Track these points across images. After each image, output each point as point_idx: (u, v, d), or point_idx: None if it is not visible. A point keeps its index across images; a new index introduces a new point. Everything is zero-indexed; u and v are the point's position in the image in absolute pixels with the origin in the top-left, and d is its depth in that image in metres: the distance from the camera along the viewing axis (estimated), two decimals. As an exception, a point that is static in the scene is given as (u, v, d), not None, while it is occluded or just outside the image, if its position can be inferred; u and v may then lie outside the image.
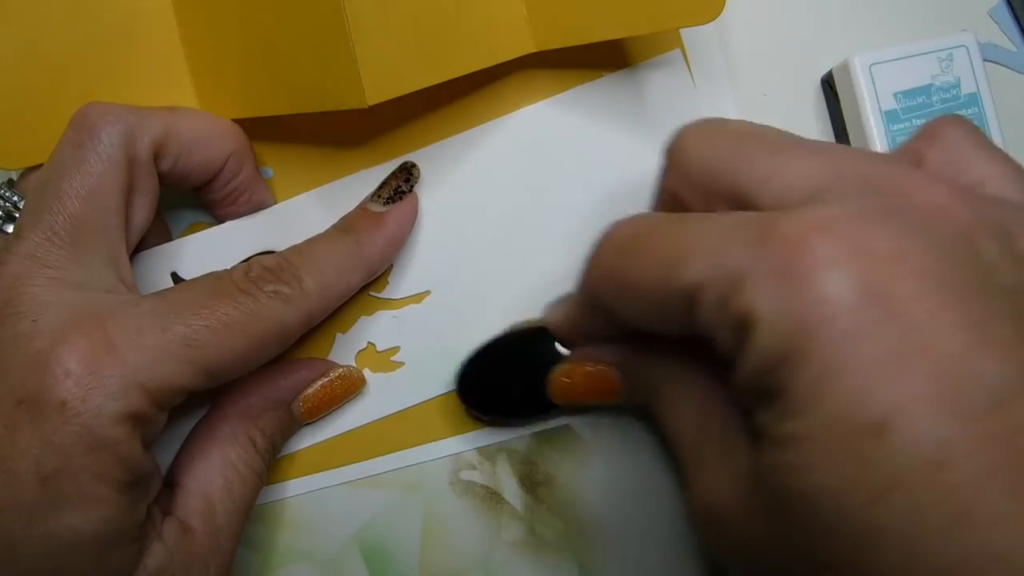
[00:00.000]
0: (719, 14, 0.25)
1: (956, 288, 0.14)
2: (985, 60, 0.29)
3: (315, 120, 0.29)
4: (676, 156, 0.19)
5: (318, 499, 0.30)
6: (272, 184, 0.30)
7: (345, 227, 0.27)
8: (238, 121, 0.28)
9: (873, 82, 0.29)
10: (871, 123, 0.29)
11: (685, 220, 0.17)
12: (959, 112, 0.29)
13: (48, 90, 0.27)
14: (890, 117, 0.29)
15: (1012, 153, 0.29)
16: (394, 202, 0.28)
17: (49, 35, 0.26)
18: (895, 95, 0.29)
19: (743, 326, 0.15)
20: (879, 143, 0.29)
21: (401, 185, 0.28)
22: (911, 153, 0.19)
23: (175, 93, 0.28)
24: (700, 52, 0.31)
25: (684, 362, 0.19)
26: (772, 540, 0.15)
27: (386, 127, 0.30)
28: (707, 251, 0.16)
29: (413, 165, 0.29)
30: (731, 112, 0.31)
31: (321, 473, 0.30)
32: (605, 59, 0.30)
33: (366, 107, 0.24)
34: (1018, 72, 0.32)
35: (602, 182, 0.30)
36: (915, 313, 0.13)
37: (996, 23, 0.32)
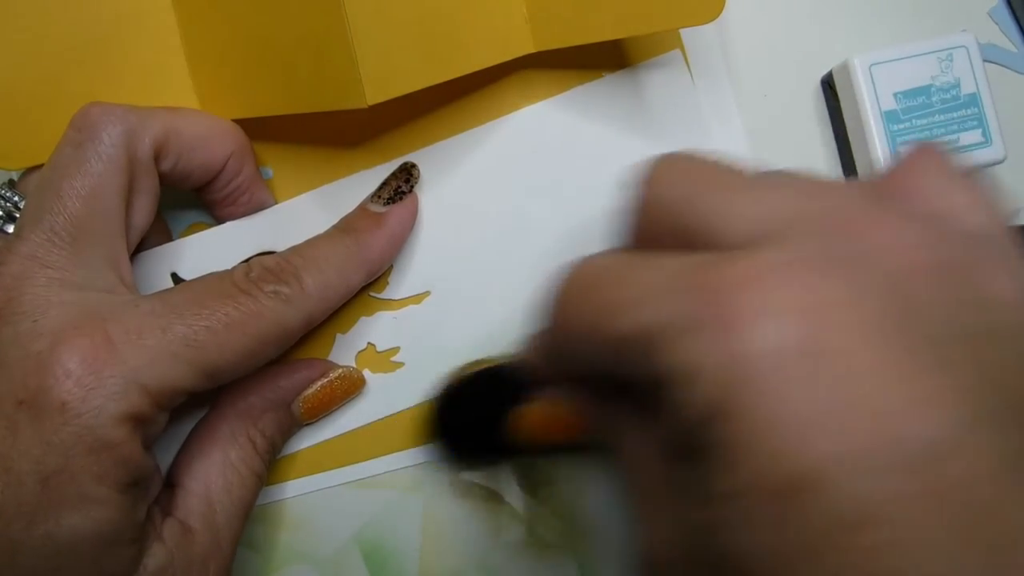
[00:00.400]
0: (719, 14, 0.25)
1: (898, 339, 0.13)
2: (985, 61, 0.29)
3: (315, 120, 0.29)
4: (638, 191, 0.19)
5: (318, 500, 0.30)
6: (272, 184, 0.30)
7: (345, 228, 0.27)
8: (238, 121, 0.28)
9: (873, 82, 0.29)
10: (871, 123, 0.29)
11: (627, 265, 0.17)
12: (959, 112, 0.29)
13: (49, 90, 0.27)
14: (890, 117, 0.29)
15: (1012, 154, 0.29)
16: (394, 202, 0.28)
17: (50, 35, 0.26)
18: (895, 95, 0.29)
19: (671, 380, 0.14)
20: (879, 143, 0.29)
21: (401, 185, 0.28)
22: (882, 183, 0.19)
23: (175, 93, 0.28)
24: (700, 53, 0.31)
25: (636, 407, 0.19)
26: None
27: (386, 127, 0.30)
28: (638, 300, 0.15)
29: (413, 165, 0.29)
30: (732, 112, 0.31)
31: (321, 474, 0.30)
32: (605, 59, 0.30)
33: (366, 107, 0.24)
34: (1018, 73, 0.32)
35: (602, 182, 0.30)
36: (851, 367, 0.13)
37: (996, 23, 0.32)
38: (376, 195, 0.28)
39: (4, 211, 0.26)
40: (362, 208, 0.28)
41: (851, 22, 0.32)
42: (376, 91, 0.24)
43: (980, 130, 0.29)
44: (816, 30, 0.32)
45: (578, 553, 0.30)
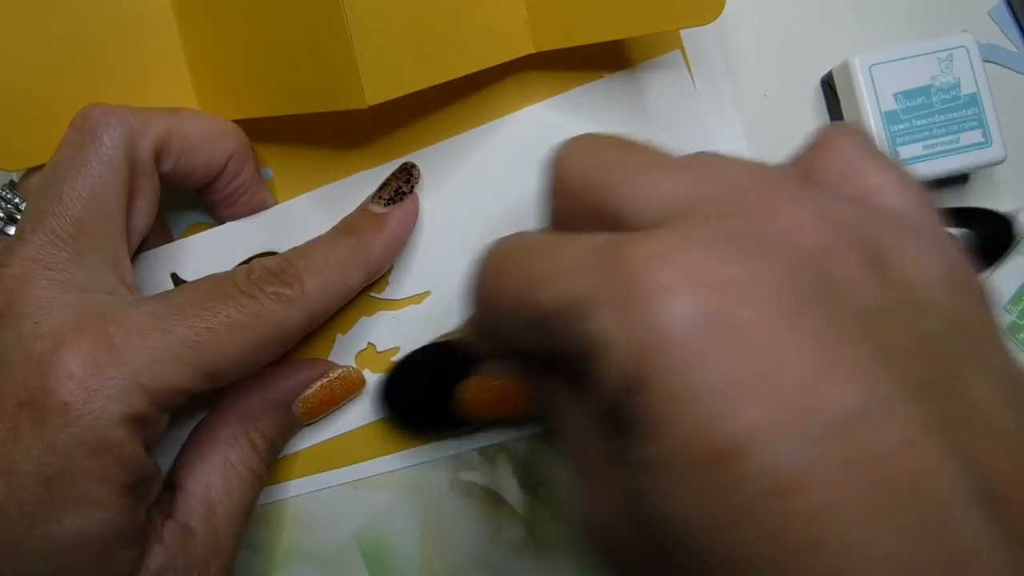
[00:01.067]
0: (719, 15, 0.25)
1: (802, 313, 0.13)
2: (985, 61, 0.29)
3: (315, 121, 0.29)
4: (553, 172, 0.19)
5: (319, 500, 0.30)
6: (272, 185, 0.30)
7: (346, 229, 0.27)
8: (238, 122, 0.28)
9: (873, 83, 0.29)
10: (871, 124, 0.29)
11: (546, 243, 0.17)
12: (959, 112, 0.29)
13: (49, 91, 0.27)
14: (890, 118, 0.29)
15: (1012, 154, 0.29)
16: (395, 203, 0.28)
17: (50, 36, 0.26)
18: (895, 96, 0.29)
19: (589, 353, 0.15)
20: (879, 143, 0.29)
21: (402, 186, 0.28)
22: (800, 163, 0.19)
23: (175, 94, 0.28)
24: (700, 53, 0.31)
25: (570, 380, 0.19)
26: (648, 563, 0.15)
27: (386, 128, 0.30)
28: (560, 276, 0.15)
29: (413, 166, 0.29)
30: (732, 112, 0.31)
31: (321, 474, 0.30)
32: (605, 60, 0.30)
33: (366, 108, 0.24)
34: (1018, 73, 0.32)
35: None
36: (757, 340, 0.13)
37: (996, 24, 0.32)
38: (376, 196, 0.28)
39: (5, 212, 0.26)
40: (363, 209, 0.28)
41: (851, 22, 0.32)
42: (376, 92, 0.24)
43: (980, 130, 0.29)
44: (816, 30, 0.32)
45: (577, 553, 0.30)
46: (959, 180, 0.32)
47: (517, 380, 0.22)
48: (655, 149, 0.18)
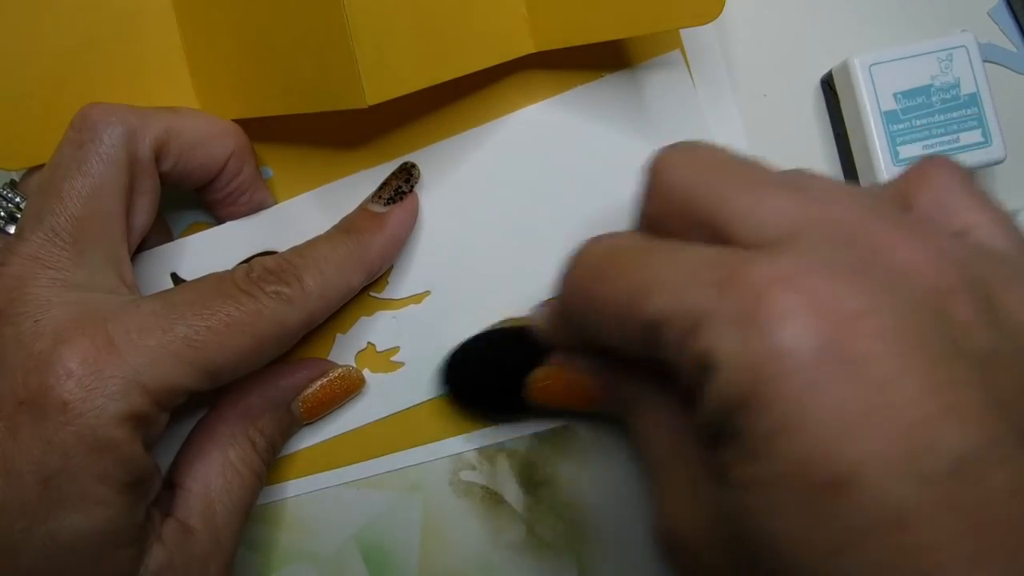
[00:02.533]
0: (719, 14, 0.25)
1: (921, 352, 0.14)
2: (985, 60, 0.29)
3: (315, 120, 0.29)
4: (656, 178, 0.19)
5: (318, 499, 0.30)
6: (272, 184, 0.30)
7: (346, 228, 0.27)
8: (238, 121, 0.28)
9: (873, 82, 0.29)
10: (871, 123, 0.29)
11: (655, 249, 0.17)
12: (959, 112, 0.29)
13: (49, 91, 0.27)
14: (890, 117, 0.29)
15: (1012, 154, 0.29)
16: (395, 202, 0.28)
17: (50, 36, 0.26)
18: (895, 95, 0.29)
19: (703, 367, 0.15)
20: (879, 143, 0.29)
21: (402, 185, 0.28)
22: (898, 193, 0.19)
23: (175, 93, 0.28)
24: (700, 53, 0.31)
25: (657, 383, 0.19)
26: (732, 574, 0.15)
27: (386, 127, 0.30)
28: (672, 286, 0.16)
29: (413, 165, 0.29)
30: (732, 112, 0.31)
31: (321, 473, 0.30)
32: (605, 60, 0.30)
33: (366, 107, 0.24)
34: (1018, 73, 0.32)
35: (602, 182, 0.30)
36: (877, 374, 0.13)
37: (996, 23, 0.32)
38: (376, 195, 0.28)
39: (6, 212, 0.26)
40: (362, 208, 0.28)
41: (851, 22, 0.32)
42: (376, 91, 0.24)
43: (980, 130, 0.29)
44: (816, 30, 0.32)
45: (578, 553, 0.30)
46: (959, 180, 0.32)
47: (593, 376, 0.22)
48: (761, 164, 0.18)
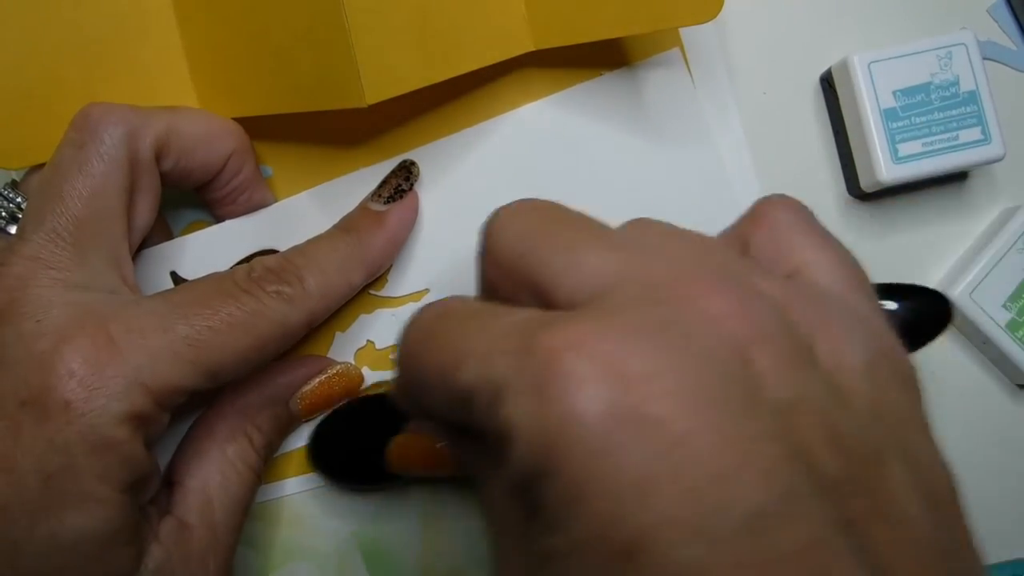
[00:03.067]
0: (718, 13, 0.25)
1: (713, 408, 0.13)
2: (984, 58, 0.29)
3: (315, 119, 0.29)
4: (488, 240, 0.19)
5: (318, 497, 0.30)
6: (272, 183, 0.30)
7: (346, 227, 0.27)
8: (238, 120, 0.28)
9: (872, 80, 0.29)
10: (870, 121, 0.29)
11: (474, 315, 0.17)
12: (958, 110, 0.29)
13: (49, 90, 0.27)
14: (889, 115, 0.29)
15: (1011, 151, 0.29)
16: (395, 201, 0.28)
17: (49, 35, 0.26)
18: (894, 93, 0.29)
19: (504, 437, 0.14)
20: (878, 141, 0.29)
21: (401, 183, 0.28)
22: (737, 235, 0.19)
23: (175, 92, 0.28)
24: (699, 51, 0.31)
25: (489, 452, 0.19)
26: None
27: (386, 126, 0.30)
28: (480, 354, 0.15)
29: (413, 163, 0.29)
30: (731, 111, 0.31)
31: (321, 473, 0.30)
32: (604, 58, 0.30)
33: (366, 106, 0.24)
34: (1017, 70, 0.32)
35: (601, 180, 0.30)
36: (666, 436, 0.13)
37: (995, 21, 0.32)
38: (376, 194, 0.28)
39: (7, 212, 0.26)
40: (363, 207, 0.28)
41: (850, 20, 0.32)
42: (375, 91, 0.24)
43: (979, 128, 0.29)
44: (815, 28, 0.32)
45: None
46: (958, 178, 0.32)
47: (440, 441, 0.22)
48: (592, 222, 0.18)
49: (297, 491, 0.30)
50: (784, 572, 0.12)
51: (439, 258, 0.30)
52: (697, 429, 0.13)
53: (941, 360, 0.32)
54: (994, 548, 0.31)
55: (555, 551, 0.14)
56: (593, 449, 0.13)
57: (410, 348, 0.18)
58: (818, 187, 0.32)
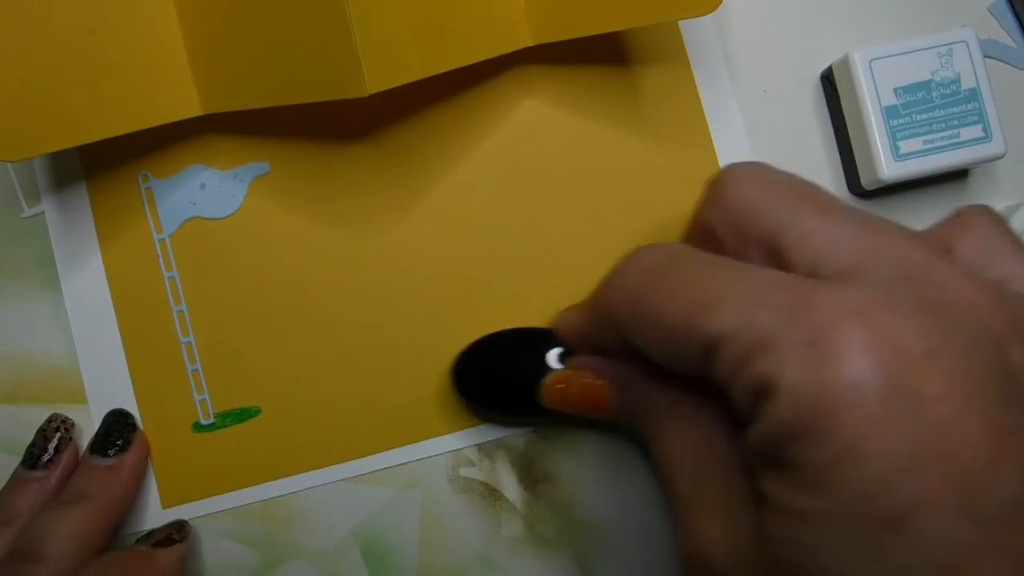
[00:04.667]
0: (718, 5, 0.25)
1: (982, 394, 0.14)
2: (985, 56, 0.29)
3: (313, 114, 0.29)
4: (719, 192, 0.19)
5: (317, 496, 0.30)
6: (269, 179, 0.30)
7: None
8: (238, 112, 0.28)
9: (873, 77, 0.29)
10: (871, 118, 0.29)
11: (719, 265, 0.17)
12: (959, 107, 0.29)
13: (48, 81, 0.26)
14: (890, 112, 0.29)
15: (1012, 149, 0.29)
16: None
17: (48, 26, 0.26)
18: (895, 90, 0.29)
19: (763, 390, 0.15)
20: (879, 139, 0.29)
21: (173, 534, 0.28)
22: (941, 238, 0.19)
23: (175, 85, 0.28)
24: (699, 47, 0.31)
25: (690, 397, 0.19)
26: None
27: (384, 122, 0.30)
28: (738, 304, 0.15)
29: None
30: (731, 107, 0.31)
31: (320, 470, 0.30)
32: (604, 53, 0.30)
33: (366, 96, 0.24)
34: (1018, 68, 0.32)
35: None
36: (940, 414, 0.13)
37: (996, 19, 0.32)
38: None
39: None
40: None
41: (851, 17, 0.32)
42: (376, 80, 0.24)
43: (980, 125, 0.29)
44: (816, 25, 0.32)
45: (577, 550, 0.30)
46: (959, 175, 0.32)
47: (614, 384, 0.22)
48: (825, 191, 0.18)
49: (297, 490, 0.30)
50: None
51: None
52: (967, 413, 0.13)
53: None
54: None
55: (807, 512, 0.14)
56: (868, 417, 0.13)
57: (633, 286, 0.18)
58: (819, 184, 0.31)
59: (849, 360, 0.14)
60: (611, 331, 0.19)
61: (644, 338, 0.18)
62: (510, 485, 0.30)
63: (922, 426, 0.13)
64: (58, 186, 0.30)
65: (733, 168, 0.19)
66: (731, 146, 0.31)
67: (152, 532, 0.29)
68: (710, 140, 0.30)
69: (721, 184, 0.19)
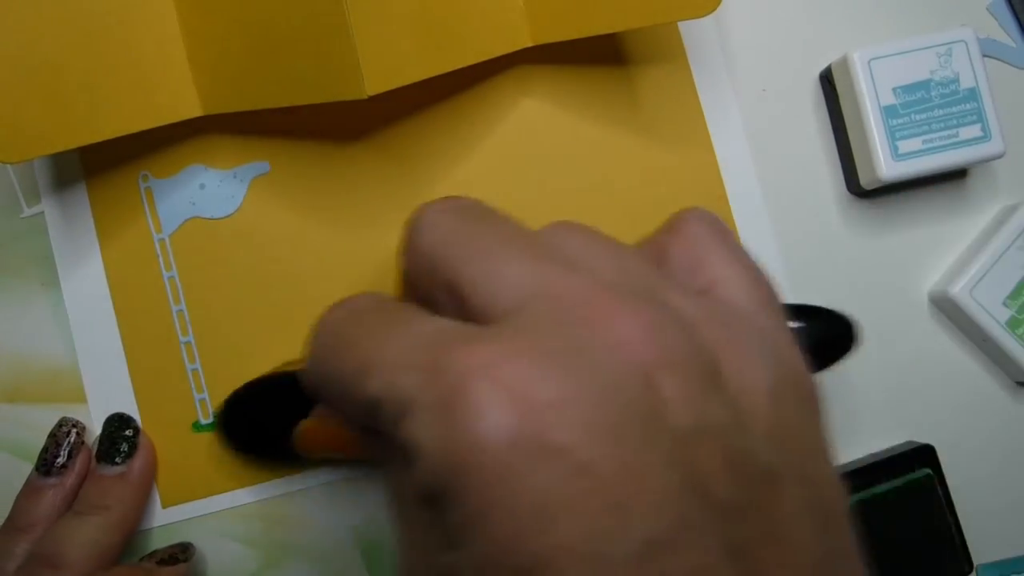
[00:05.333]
0: (717, 6, 0.25)
1: (616, 437, 0.14)
2: (984, 55, 0.29)
3: (313, 114, 0.29)
4: (409, 237, 0.18)
5: (316, 496, 0.30)
6: (269, 179, 0.30)
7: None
8: (237, 114, 0.28)
9: (872, 77, 0.29)
10: (870, 118, 0.29)
11: (385, 322, 0.17)
12: (958, 107, 0.29)
13: (48, 83, 0.26)
14: (889, 112, 0.29)
15: (1011, 148, 0.29)
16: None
17: (49, 27, 0.26)
18: (894, 90, 0.29)
19: (408, 454, 0.15)
20: (878, 138, 0.29)
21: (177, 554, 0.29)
22: (656, 246, 0.19)
23: (175, 86, 0.28)
24: (698, 47, 0.31)
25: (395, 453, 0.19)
26: None
27: (384, 123, 0.30)
28: (388, 367, 0.15)
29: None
30: (731, 107, 0.31)
31: (319, 470, 0.30)
32: (603, 54, 0.30)
33: (366, 97, 0.24)
34: (1017, 67, 0.32)
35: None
36: (569, 464, 0.13)
37: (995, 18, 0.32)
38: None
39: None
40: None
41: (850, 17, 0.32)
42: (376, 82, 0.24)
43: (979, 125, 0.29)
44: (815, 25, 0.32)
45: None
46: (958, 175, 0.32)
47: (349, 429, 0.22)
48: (515, 226, 0.18)
49: (297, 489, 0.30)
50: None
51: None
52: (597, 458, 0.13)
53: (941, 358, 0.32)
54: (994, 546, 0.31)
55: (456, 567, 0.14)
56: (496, 475, 0.13)
57: (319, 348, 0.18)
58: (818, 184, 0.31)
59: (475, 420, 0.14)
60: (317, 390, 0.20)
61: (326, 400, 0.18)
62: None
63: (549, 479, 0.13)
64: (58, 186, 0.30)
65: (419, 212, 0.19)
66: (730, 145, 0.31)
67: (156, 551, 0.29)
68: (709, 140, 0.30)
69: (409, 231, 0.18)
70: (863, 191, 0.31)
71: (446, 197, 0.19)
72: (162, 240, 0.30)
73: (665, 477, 0.14)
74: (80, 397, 0.30)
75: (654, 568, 0.13)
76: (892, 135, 0.29)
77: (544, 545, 0.13)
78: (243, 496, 0.30)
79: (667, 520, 0.13)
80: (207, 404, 0.30)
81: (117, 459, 0.28)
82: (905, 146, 0.29)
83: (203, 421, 0.30)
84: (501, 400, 0.14)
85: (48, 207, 0.30)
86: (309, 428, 0.27)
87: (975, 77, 0.29)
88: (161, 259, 0.30)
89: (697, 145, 0.30)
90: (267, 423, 0.28)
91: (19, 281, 0.30)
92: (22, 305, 0.30)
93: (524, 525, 0.13)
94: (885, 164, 0.29)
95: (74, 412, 0.29)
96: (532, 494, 0.13)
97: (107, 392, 0.30)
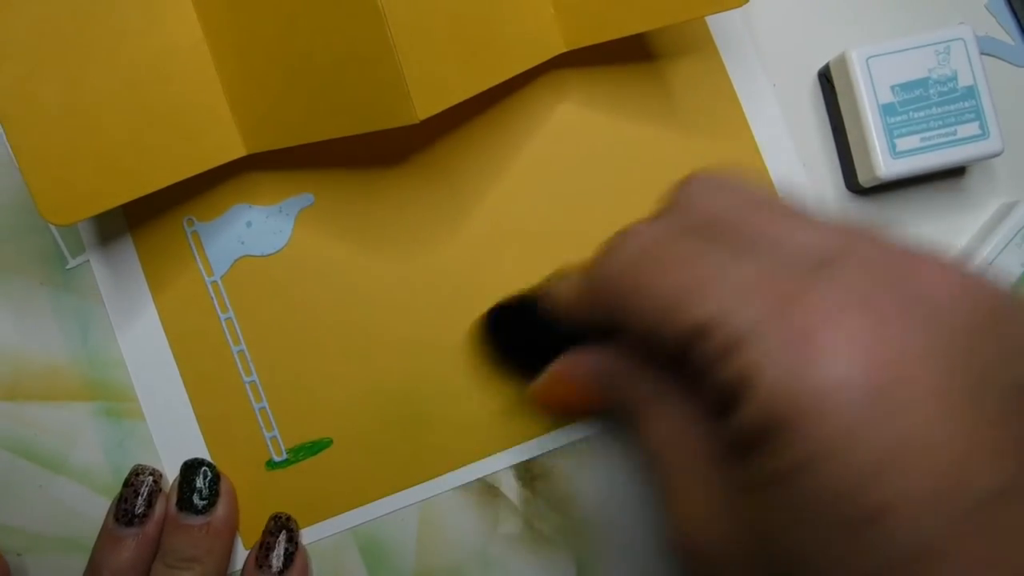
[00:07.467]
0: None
1: (956, 393, 0.14)
2: (982, 53, 0.29)
3: (354, 141, 0.29)
4: (682, 195, 0.19)
5: (402, 517, 0.30)
6: (314, 210, 0.30)
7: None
8: (282, 151, 0.27)
9: (870, 75, 0.29)
10: (868, 116, 0.29)
11: (707, 251, 0.17)
12: (956, 105, 0.29)
13: (94, 141, 0.26)
14: (887, 110, 0.29)
15: (1009, 146, 0.29)
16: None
17: (88, 87, 0.25)
18: (892, 88, 0.29)
19: (742, 381, 0.15)
20: (876, 136, 0.29)
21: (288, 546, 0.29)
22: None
23: (218, 129, 0.27)
24: (728, 39, 0.31)
25: (679, 386, 0.19)
26: None
27: (426, 142, 0.30)
28: (723, 293, 0.16)
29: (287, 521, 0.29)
30: (768, 96, 0.31)
31: (395, 494, 0.30)
32: (635, 53, 0.30)
33: (418, 121, 0.24)
34: (1015, 65, 0.32)
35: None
36: (915, 416, 0.14)
37: (994, 16, 0.32)
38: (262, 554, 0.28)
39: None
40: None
41: (848, 15, 0.32)
42: (425, 105, 0.24)
43: (978, 123, 0.29)
44: (813, 23, 0.32)
45: (575, 546, 0.30)
46: (956, 173, 0.32)
47: (600, 371, 0.22)
48: (792, 197, 0.19)
49: (378, 516, 0.30)
50: (1001, 545, 0.14)
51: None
52: (942, 412, 0.14)
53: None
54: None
55: (785, 504, 0.14)
56: (846, 418, 0.14)
57: (620, 267, 0.18)
58: (816, 182, 0.31)
59: (830, 361, 0.14)
60: (600, 308, 0.20)
61: (630, 316, 0.18)
62: (508, 482, 0.30)
63: (898, 427, 0.14)
64: (102, 238, 0.30)
65: (693, 176, 0.19)
66: (770, 132, 0.30)
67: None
68: (748, 128, 0.30)
69: (684, 189, 0.19)
70: (862, 189, 0.31)
71: (709, 169, 0.20)
72: (215, 282, 0.30)
73: (999, 433, 0.14)
74: (80, 395, 0.30)
75: (994, 521, 0.13)
76: (890, 133, 0.29)
77: (895, 489, 0.13)
78: (325, 528, 0.30)
79: (1004, 474, 0.14)
80: (278, 441, 0.30)
81: (200, 506, 0.28)
82: (903, 144, 0.29)
83: (276, 458, 0.29)
84: (853, 350, 0.14)
85: (94, 259, 0.30)
86: (544, 386, 0.25)
87: (973, 75, 0.29)
88: (216, 302, 0.30)
89: (736, 135, 0.30)
90: (524, 343, 0.27)
91: (18, 278, 0.30)
92: (21, 302, 0.30)
93: (878, 468, 0.14)
94: (883, 162, 0.29)
95: (74, 410, 0.30)
96: (880, 441, 0.14)
97: (177, 440, 0.29)
